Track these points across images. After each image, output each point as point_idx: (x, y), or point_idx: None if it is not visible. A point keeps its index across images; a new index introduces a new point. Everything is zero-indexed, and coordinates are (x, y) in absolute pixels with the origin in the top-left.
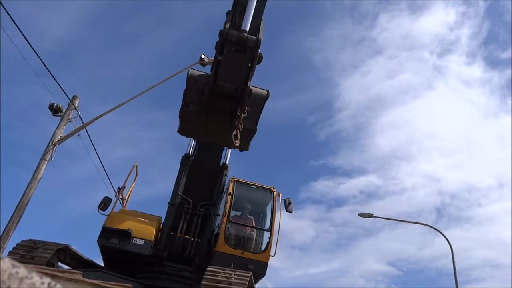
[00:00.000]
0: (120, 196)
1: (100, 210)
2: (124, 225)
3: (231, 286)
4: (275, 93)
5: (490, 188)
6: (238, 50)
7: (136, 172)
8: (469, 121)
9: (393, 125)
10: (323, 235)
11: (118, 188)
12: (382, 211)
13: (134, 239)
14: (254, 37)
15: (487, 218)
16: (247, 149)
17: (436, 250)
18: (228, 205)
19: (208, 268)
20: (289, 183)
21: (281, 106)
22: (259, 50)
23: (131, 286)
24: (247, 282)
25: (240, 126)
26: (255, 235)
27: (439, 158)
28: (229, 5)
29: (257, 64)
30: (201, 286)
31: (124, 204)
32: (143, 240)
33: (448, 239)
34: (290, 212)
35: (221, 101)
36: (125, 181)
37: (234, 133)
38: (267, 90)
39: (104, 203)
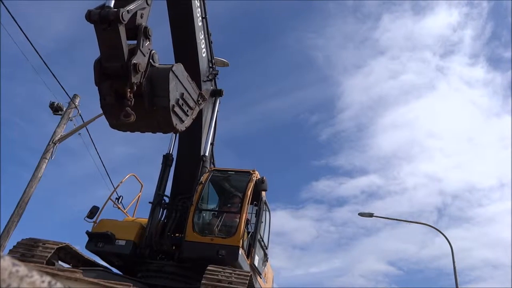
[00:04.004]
0: (119, 206)
1: (87, 219)
2: (107, 229)
3: (231, 286)
4: (276, 91)
5: (491, 189)
6: (106, 28)
7: (139, 181)
8: (471, 122)
9: (395, 125)
10: (324, 234)
11: (116, 198)
12: (383, 211)
13: (117, 240)
14: (114, 10)
15: (488, 218)
16: (173, 130)
17: (436, 250)
18: (197, 194)
19: (208, 267)
20: (290, 182)
21: (282, 105)
22: (144, 23)
23: (131, 285)
24: (247, 282)
25: (129, 102)
26: (225, 220)
27: (440, 158)
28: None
29: (146, 37)
30: (201, 285)
31: (132, 212)
32: (125, 241)
33: (449, 239)
34: (264, 190)
35: (119, 84)
36: (115, 189)
37: (124, 113)
38: (172, 65)
39: (91, 212)
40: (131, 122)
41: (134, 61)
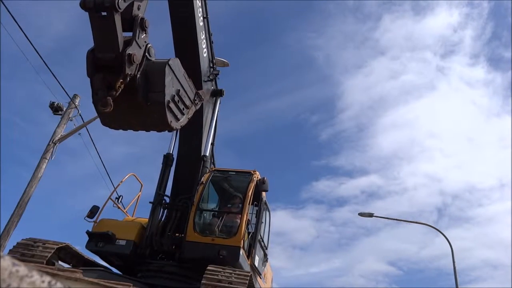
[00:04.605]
0: (119, 206)
1: (87, 218)
2: (107, 229)
3: (231, 286)
4: (276, 91)
5: (491, 189)
6: (102, 16)
7: (139, 181)
8: (471, 122)
9: (395, 125)
10: (324, 234)
11: (116, 198)
12: (383, 211)
13: (117, 240)
14: None
15: (488, 218)
16: (167, 128)
17: (436, 250)
18: (198, 194)
19: (208, 267)
20: (290, 182)
21: (282, 105)
22: (141, 15)
23: (131, 285)
24: (247, 281)
25: (114, 93)
26: (226, 220)
27: (440, 158)
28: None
29: (142, 29)
30: (201, 285)
31: (132, 212)
32: (125, 241)
33: (449, 239)
34: (265, 190)
35: (112, 76)
36: (115, 189)
37: (103, 101)
38: (168, 59)
39: (92, 212)
40: (108, 112)
41: (129, 51)
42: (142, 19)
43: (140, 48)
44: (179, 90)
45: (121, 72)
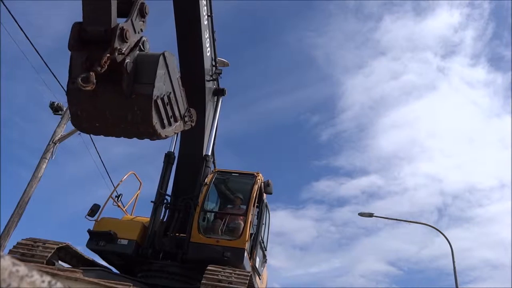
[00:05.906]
0: (119, 204)
1: (88, 217)
2: (109, 228)
3: (231, 286)
4: (277, 90)
5: (491, 189)
6: None
7: (138, 180)
8: (471, 122)
9: (396, 125)
10: (324, 234)
11: (116, 196)
12: (384, 211)
13: (119, 239)
14: None
15: (488, 219)
16: (150, 129)
17: (436, 250)
18: (202, 195)
19: (208, 267)
20: (291, 183)
21: (283, 105)
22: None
23: (131, 285)
24: (247, 281)
25: (99, 69)
26: (230, 222)
27: (441, 158)
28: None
29: (141, 14)
30: (201, 285)
31: (131, 210)
32: (127, 240)
33: (449, 239)
34: (270, 193)
35: (98, 53)
36: (115, 188)
37: (84, 75)
38: (164, 51)
39: (92, 210)
40: (89, 91)
41: (122, 25)
42: (142, 3)
43: (135, 32)
44: (170, 92)
45: (109, 47)
